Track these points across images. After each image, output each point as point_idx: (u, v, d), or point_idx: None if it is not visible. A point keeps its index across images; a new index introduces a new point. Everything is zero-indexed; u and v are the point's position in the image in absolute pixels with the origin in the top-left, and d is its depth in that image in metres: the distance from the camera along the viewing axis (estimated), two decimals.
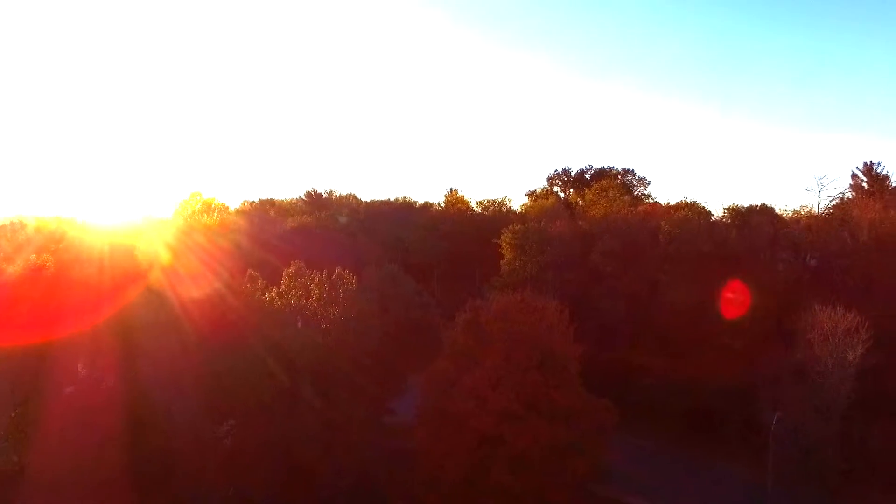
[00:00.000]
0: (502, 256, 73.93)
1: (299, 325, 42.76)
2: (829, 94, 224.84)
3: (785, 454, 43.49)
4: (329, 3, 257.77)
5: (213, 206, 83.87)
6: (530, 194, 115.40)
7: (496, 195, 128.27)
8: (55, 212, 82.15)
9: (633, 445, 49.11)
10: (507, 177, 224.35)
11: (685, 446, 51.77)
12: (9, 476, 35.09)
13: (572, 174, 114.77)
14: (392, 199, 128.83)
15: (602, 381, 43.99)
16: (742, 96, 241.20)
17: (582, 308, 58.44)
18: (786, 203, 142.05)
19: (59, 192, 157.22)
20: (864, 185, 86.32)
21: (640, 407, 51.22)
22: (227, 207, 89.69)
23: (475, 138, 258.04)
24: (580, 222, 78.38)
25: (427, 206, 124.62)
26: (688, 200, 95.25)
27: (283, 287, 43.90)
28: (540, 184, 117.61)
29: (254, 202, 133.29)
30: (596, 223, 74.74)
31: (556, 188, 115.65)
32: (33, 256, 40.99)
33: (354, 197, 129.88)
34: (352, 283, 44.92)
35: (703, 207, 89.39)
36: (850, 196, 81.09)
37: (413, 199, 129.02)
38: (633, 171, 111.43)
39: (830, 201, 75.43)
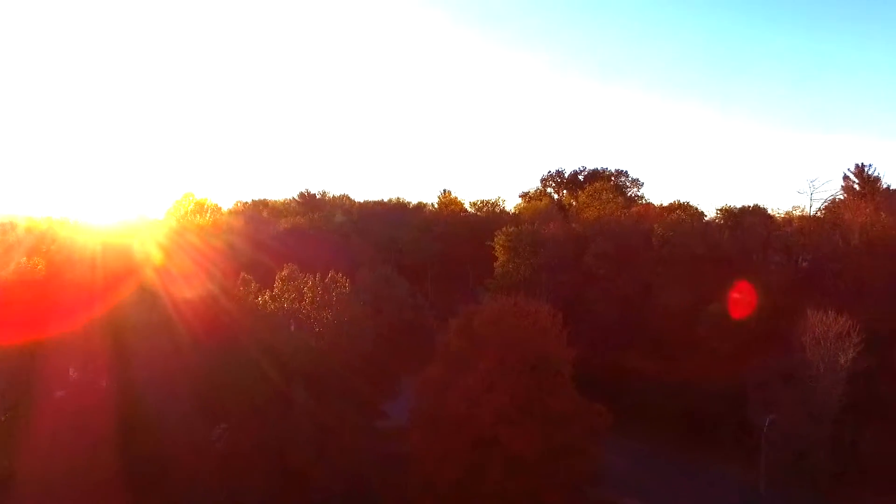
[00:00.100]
0: (496, 258, 74.00)
1: (292, 328, 42.66)
2: (822, 95, 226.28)
3: (777, 457, 43.71)
4: (323, 3, 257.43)
5: (205, 206, 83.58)
6: (524, 195, 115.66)
7: (490, 195, 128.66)
8: (47, 212, 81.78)
9: (627, 448, 49.21)
10: (500, 177, 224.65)
11: (679, 448, 51.91)
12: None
13: (566, 175, 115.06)
14: (385, 200, 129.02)
15: (596, 384, 44.07)
16: (736, 97, 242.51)
17: (575, 310, 58.59)
18: (778, 205, 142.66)
19: (51, 192, 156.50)
20: (856, 186, 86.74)
21: (634, 409, 51.31)
22: (220, 208, 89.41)
23: (469, 138, 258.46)
24: (573, 224, 78.52)
25: (421, 207, 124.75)
26: (681, 201, 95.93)
27: (275, 290, 43.77)
28: (533, 185, 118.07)
29: (247, 203, 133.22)
30: (589, 225, 74.93)
31: (549, 189, 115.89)
32: (24, 259, 40.70)
33: (348, 198, 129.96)
34: (345, 287, 44.84)
35: (696, 209, 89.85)
36: (842, 197, 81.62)
37: (406, 199, 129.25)
38: (626, 172, 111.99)
39: (822, 203, 75.95)
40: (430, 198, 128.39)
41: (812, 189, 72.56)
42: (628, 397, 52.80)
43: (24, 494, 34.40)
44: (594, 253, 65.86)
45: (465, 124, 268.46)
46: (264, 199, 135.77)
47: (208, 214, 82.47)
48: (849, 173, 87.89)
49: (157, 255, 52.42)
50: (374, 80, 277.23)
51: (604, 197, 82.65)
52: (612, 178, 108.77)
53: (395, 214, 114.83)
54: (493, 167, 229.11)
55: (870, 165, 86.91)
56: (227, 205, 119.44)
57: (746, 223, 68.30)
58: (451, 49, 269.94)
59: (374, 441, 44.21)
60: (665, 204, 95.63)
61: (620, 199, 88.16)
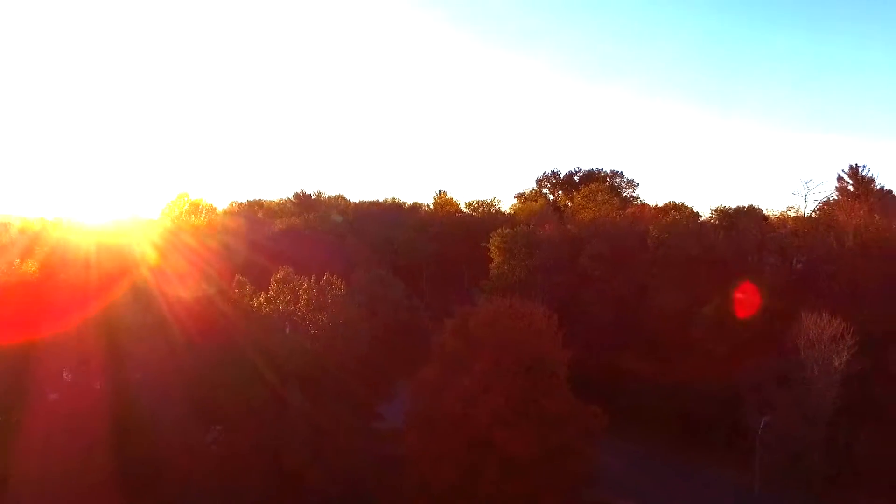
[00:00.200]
0: (491, 259, 74.05)
1: (287, 330, 42.60)
2: (817, 95, 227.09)
3: (772, 459, 43.84)
4: (317, 2, 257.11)
5: (200, 206, 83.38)
6: (519, 196, 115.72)
7: (485, 195, 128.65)
8: (41, 212, 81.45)
9: (622, 449, 49.33)
10: (496, 177, 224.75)
11: (674, 450, 52.04)
12: None
13: (561, 176, 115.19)
14: (381, 201, 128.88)
15: (591, 385, 44.17)
16: (730, 98, 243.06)
17: (570, 312, 58.66)
18: (773, 205, 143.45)
19: (45, 193, 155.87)
20: (850, 187, 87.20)
21: (630, 410, 51.46)
22: (215, 208, 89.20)
23: (464, 138, 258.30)
24: (569, 226, 78.65)
25: (416, 207, 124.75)
26: (676, 202, 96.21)
27: (271, 292, 43.71)
28: (529, 185, 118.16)
29: (242, 203, 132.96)
30: (584, 227, 75.02)
31: (544, 190, 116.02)
32: (17, 261, 40.54)
33: (343, 198, 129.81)
34: (340, 289, 44.82)
35: (691, 209, 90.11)
36: (837, 198, 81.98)
37: (402, 199, 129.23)
38: (621, 173, 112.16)
39: (817, 205, 76.33)
40: (426, 198, 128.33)
41: (806, 190, 72.98)
42: (624, 398, 52.94)
43: (18, 497, 34.25)
44: (589, 254, 65.96)
45: (460, 124, 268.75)
46: (259, 200, 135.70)
47: (203, 215, 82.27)
48: (843, 174, 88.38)
49: (151, 256, 52.27)
50: (368, 79, 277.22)
51: (599, 198, 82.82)
52: (608, 179, 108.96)
53: (390, 215, 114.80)
54: (488, 167, 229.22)
55: (864, 166, 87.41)
56: (222, 205, 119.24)
57: (741, 224, 68.52)
58: (446, 49, 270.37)
59: (369, 443, 44.18)
60: (660, 204, 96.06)
61: (616, 200, 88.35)
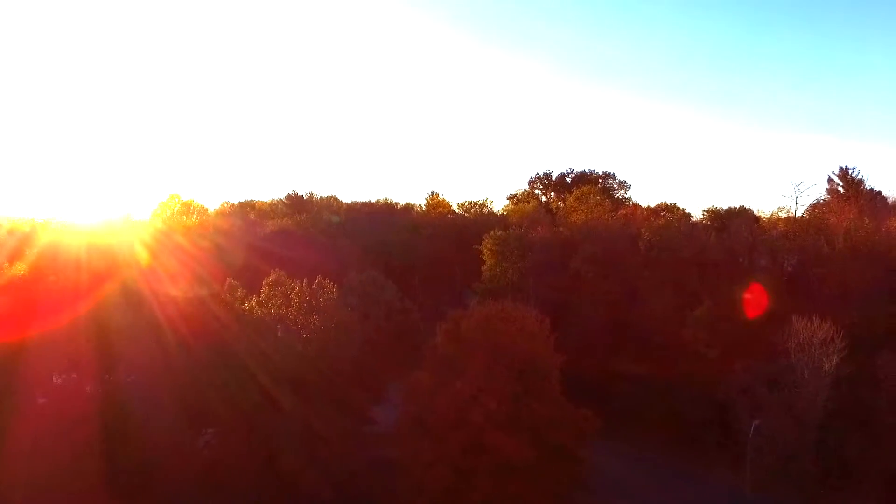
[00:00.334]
0: (483, 261, 74.12)
1: (279, 334, 42.50)
2: (809, 96, 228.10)
3: (764, 461, 44.02)
4: (308, 1, 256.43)
5: (192, 207, 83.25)
6: (511, 197, 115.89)
7: (477, 196, 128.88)
8: (31, 213, 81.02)
9: (615, 452, 49.42)
10: (488, 177, 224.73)
11: (667, 452, 52.12)
12: None
13: (553, 177, 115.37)
14: (373, 201, 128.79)
15: (583, 387, 44.20)
16: (722, 98, 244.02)
17: (563, 314, 58.80)
18: (764, 206, 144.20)
19: (35, 193, 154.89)
20: (840, 189, 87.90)
21: (622, 413, 51.52)
22: (207, 209, 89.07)
23: (456, 138, 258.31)
24: (561, 228, 78.82)
25: (409, 208, 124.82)
26: (668, 203, 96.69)
27: (262, 296, 43.59)
28: (521, 186, 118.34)
29: (233, 204, 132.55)
30: (577, 229, 75.18)
31: (537, 191, 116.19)
32: (6, 264, 40.25)
33: (336, 199, 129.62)
34: (332, 292, 44.73)
35: (683, 210, 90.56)
36: (827, 198, 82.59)
37: (394, 199, 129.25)
38: (613, 174, 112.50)
39: (807, 206, 76.83)
40: (418, 198, 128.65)
41: (797, 193, 73.40)
42: (616, 401, 53.04)
43: (6, 502, 33.95)
44: (582, 257, 66.06)
45: (452, 124, 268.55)
46: (251, 200, 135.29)
47: (195, 215, 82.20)
48: (833, 176, 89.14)
49: (142, 257, 52.08)
50: (358, 79, 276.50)
51: (591, 201, 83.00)
52: (600, 181, 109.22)
53: (382, 215, 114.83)
54: (480, 167, 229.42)
55: (853, 168, 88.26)
56: (213, 206, 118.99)
57: (733, 226, 68.85)
58: (437, 50, 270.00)
59: (362, 446, 44.11)
60: (652, 205, 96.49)
61: (608, 202, 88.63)
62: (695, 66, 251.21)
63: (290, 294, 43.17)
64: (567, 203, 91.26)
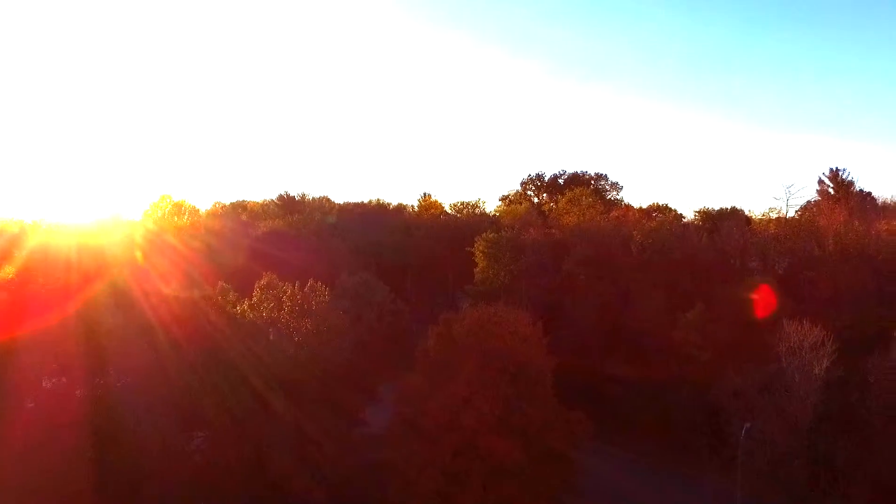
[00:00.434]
0: (476, 263, 74.12)
1: (271, 337, 42.33)
2: (800, 96, 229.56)
3: (754, 465, 44.09)
4: (301, 1, 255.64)
5: (183, 207, 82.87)
6: (504, 198, 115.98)
7: (469, 196, 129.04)
8: (20, 214, 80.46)
9: (606, 455, 49.54)
10: (480, 177, 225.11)
11: (658, 455, 52.26)
12: None
13: (546, 179, 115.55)
14: (365, 202, 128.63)
15: (575, 390, 44.23)
16: (715, 99, 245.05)
17: (555, 316, 58.94)
18: (756, 207, 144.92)
19: (24, 194, 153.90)
20: (830, 190, 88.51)
21: (613, 416, 51.64)
22: (198, 210, 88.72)
23: (448, 139, 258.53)
24: (553, 230, 78.98)
25: (401, 209, 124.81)
26: (659, 204, 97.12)
27: (254, 299, 43.41)
28: (513, 186, 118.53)
29: (225, 204, 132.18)
30: (569, 231, 75.34)
31: (529, 192, 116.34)
32: None
33: (328, 199, 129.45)
34: (324, 295, 44.58)
35: (675, 211, 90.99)
36: (817, 200, 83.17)
37: (386, 200, 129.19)
38: (605, 175, 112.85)
39: (798, 208, 77.43)
40: (410, 198, 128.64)
41: (788, 195, 73.97)
42: (608, 404, 53.16)
43: None
44: (574, 259, 66.19)
45: (445, 124, 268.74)
46: (243, 201, 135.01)
47: (186, 216, 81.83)
48: (823, 177, 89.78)
49: (133, 257, 51.78)
50: (351, 80, 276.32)
51: (583, 202, 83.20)
52: (592, 182, 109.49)
53: (375, 216, 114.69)
54: (473, 167, 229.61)
55: (843, 170, 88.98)
56: (205, 206, 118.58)
57: (724, 227, 69.19)
58: (429, 51, 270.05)
59: (354, 449, 44.00)
60: (644, 206, 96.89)
61: (600, 204, 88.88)
62: (686, 68, 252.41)
63: (282, 297, 43.00)
64: (559, 205, 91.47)
